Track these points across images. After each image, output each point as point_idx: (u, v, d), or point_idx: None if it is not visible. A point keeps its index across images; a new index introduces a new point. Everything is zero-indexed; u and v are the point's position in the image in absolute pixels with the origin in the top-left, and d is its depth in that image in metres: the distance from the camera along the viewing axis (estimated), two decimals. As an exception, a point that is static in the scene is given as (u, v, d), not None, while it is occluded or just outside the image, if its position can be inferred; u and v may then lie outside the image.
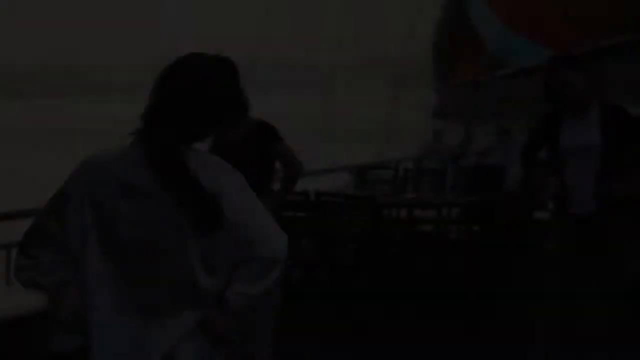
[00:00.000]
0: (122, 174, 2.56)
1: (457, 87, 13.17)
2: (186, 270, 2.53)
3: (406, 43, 12.06)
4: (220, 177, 2.56)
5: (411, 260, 7.91)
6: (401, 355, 6.51)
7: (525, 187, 8.63)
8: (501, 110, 13.53)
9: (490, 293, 7.71)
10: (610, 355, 5.46)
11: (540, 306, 7.89)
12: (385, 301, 7.15)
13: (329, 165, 11.23)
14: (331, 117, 10.97)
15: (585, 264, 5.46)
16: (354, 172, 9.96)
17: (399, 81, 11.89)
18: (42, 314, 2.62)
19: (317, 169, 9.91)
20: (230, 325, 2.56)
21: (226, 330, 2.58)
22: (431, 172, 9.78)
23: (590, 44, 8.66)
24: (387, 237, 7.66)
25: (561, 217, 5.41)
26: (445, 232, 8.92)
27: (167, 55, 2.70)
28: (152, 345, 2.54)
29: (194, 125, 2.60)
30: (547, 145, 5.43)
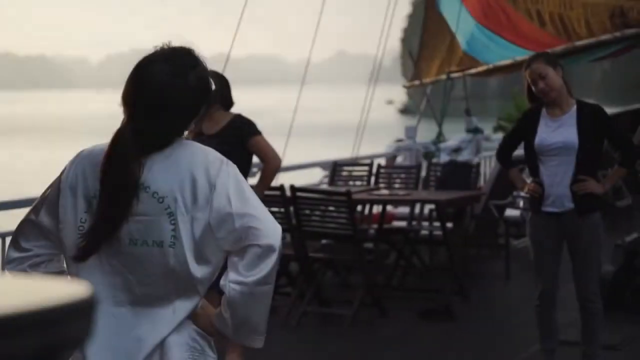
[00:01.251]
0: None
1: (428, 85, 13.20)
2: (179, 261, 2.56)
3: (380, 40, 12.09)
4: (213, 168, 2.58)
5: (384, 256, 7.96)
6: (378, 349, 6.55)
7: (500, 184, 8.71)
8: (473, 108, 13.60)
9: (463, 289, 7.76)
10: (586, 353, 5.53)
11: (512, 303, 7.99)
12: (360, 296, 7.18)
13: (302, 160, 11.24)
14: (304, 113, 10.97)
15: (559, 262, 5.53)
16: (327, 168, 9.97)
17: (373, 78, 11.91)
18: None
19: (290, 164, 9.92)
20: (223, 315, 2.59)
21: (218, 321, 2.61)
22: (404, 169, 9.84)
23: (563, 45, 8.74)
24: (361, 233, 7.70)
25: (536, 215, 5.47)
26: (418, 228, 8.98)
27: (138, 49, 2.71)
28: (145, 336, 2.56)
29: (174, 123, 2.61)
30: (524, 143, 5.49)
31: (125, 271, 2.59)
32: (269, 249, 2.52)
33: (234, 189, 2.56)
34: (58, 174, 2.70)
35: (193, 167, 2.57)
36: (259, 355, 5.70)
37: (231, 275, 2.54)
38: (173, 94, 2.57)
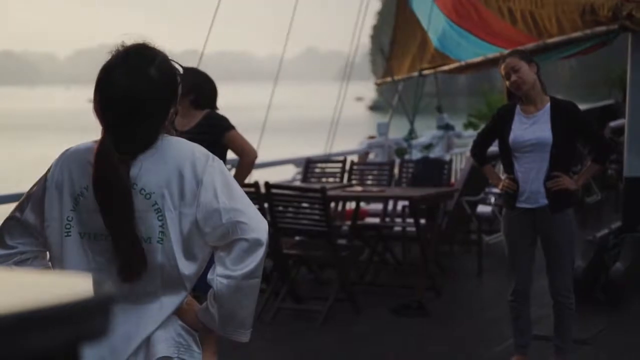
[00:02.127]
0: None
1: (400, 81, 13.25)
2: (167, 257, 2.56)
3: (353, 37, 12.12)
4: (200, 163, 2.58)
5: (358, 252, 7.99)
6: (352, 345, 6.58)
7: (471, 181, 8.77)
8: (445, 104, 13.68)
9: (436, 285, 7.82)
10: (558, 347, 5.59)
11: (485, 298, 8.05)
12: (334, 292, 7.21)
13: (274, 157, 11.26)
14: (278, 109, 10.97)
15: (533, 258, 5.59)
16: (300, 165, 9.99)
17: (345, 74, 11.93)
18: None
19: (263, 161, 9.92)
20: (210, 309, 2.60)
21: (205, 316, 2.62)
22: (377, 166, 9.88)
23: (534, 42, 8.80)
24: (335, 229, 7.72)
25: (510, 211, 5.52)
26: (392, 225, 9.02)
27: (106, 44, 2.70)
28: (132, 333, 2.56)
29: (149, 122, 2.59)
30: (499, 140, 5.54)
31: (112, 268, 2.59)
32: (257, 243, 2.53)
33: (221, 184, 2.58)
34: (25, 170, 2.70)
35: (179, 163, 2.58)
36: (233, 352, 5.72)
37: (219, 269, 2.55)
38: (138, 96, 2.54)
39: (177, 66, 2.67)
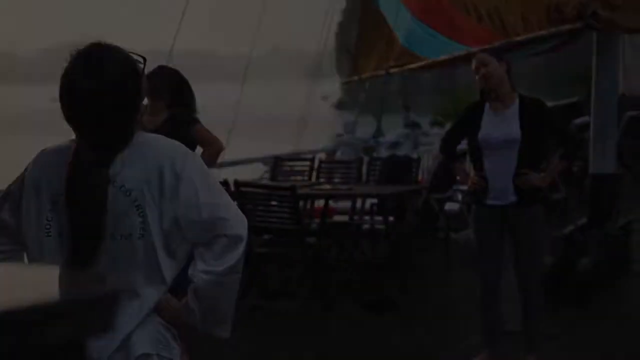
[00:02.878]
0: None
1: (366, 79, 13.27)
2: (148, 253, 2.56)
3: (320, 35, 12.14)
4: (179, 160, 2.59)
5: (328, 249, 8.00)
6: (322, 341, 6.59)
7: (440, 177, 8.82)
8: (410, 102, 13.73)
9: (405, 281, 7.85)
10: (527, 342, 5.64)
11: (453, 295, 8.10)
12: (304, 290, 7.22)
13: (243, 156, 11.25)
14: (245, 108, 10.96)
15: (502, 254, 5.63)
16: (268, 163, 9.99)
17: (313, 73, 11.95)
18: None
19: (231, 159, 9.90)
20: (191, 305, 2.60)
21: (185, 312, 2.62)
22: (345, 164, 9.90)
23: (500, 40, 8.84)
24: (304, 227, 7.73)
25: (480, 208, 5.56)
26: (360, 222, 9.04)
27: (67, 42, 2.68)
28: (116, 329, 2.56)
29: (118, 121, 2.58)
30: (468, 137, 5.57)
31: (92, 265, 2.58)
32: (237, 239, 2.55)
33: (200, 180, 2.59)
34: None
35: (159, 159, 2.58)
36: (203, 350, 5.71)
37: (199, 265, 2.57)
38: (101, 95, 2.53)
39: (137, 58, 2.65)
